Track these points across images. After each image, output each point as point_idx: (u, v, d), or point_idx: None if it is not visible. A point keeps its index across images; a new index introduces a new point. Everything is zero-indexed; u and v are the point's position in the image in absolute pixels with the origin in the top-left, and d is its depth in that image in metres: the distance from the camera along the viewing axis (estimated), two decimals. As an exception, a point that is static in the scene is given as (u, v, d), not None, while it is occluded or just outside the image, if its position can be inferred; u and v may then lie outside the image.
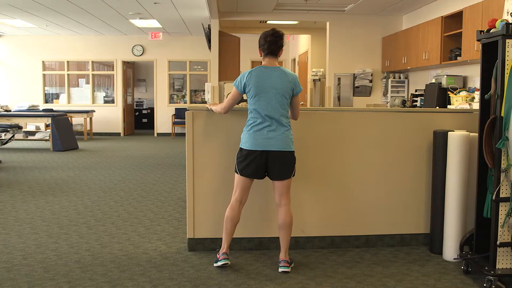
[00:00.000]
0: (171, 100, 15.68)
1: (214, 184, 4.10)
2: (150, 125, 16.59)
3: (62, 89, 15.39)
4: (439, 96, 7.22)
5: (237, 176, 3.70)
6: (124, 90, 15.37)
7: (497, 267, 3.36)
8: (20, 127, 10.90)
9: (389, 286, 3.43)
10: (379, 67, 10.40)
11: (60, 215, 5.32)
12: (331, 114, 4.26)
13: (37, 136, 12.25)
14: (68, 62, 15.16)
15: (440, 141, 4.06)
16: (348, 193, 4.24)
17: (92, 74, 15.28)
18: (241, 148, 3.68)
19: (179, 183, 7.22)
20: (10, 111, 12.91)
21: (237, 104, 3.92)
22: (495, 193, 3.33)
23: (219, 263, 3.68)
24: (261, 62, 3.75)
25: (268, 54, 3.70)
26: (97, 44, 15.00)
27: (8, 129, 10.30)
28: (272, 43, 3.67)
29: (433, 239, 4.16)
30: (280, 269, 3.65)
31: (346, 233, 4.27)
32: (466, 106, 6.36)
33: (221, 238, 3.78)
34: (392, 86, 9.72)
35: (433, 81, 7.71)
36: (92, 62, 15.21)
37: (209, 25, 10.43)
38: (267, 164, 3.62)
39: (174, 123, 15.21)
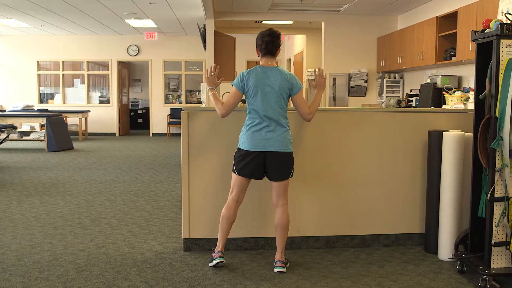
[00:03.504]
0: (167, 100, 15.66)
1: (209, 184, 4.09)
2: (146, 125, 16.58)
3: (57, 89, 15.35)
4: (434, 96, 7.24)
5: (234, 176, 3.70)
6: (119, 90, 15.33)
7: (491, 267, 3.37)
8: (14, 127, 10.85)
9: (384, 285, 3.44)
10: (374, 67, 10.42)
11: (55, 215, 5.30)
12: (327, 114, 4.27)
13: (32, 136, 12.21)
14: (63, 62, 15.11)
15: (435, 141, 4.07)
16: (344, 193, 4.24)
17: (87, 74, 15.24)
18: (239, 148, 3.68)
19: (174, 183, 7.21)
20: (4, 111, 12.87)
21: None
22: (489, 192, 3.35)
23: (214, 262, 3.68)
24: (258, 62, 3.74)
25: (266, 54, 3.70)
26: (92, 44, 14.97)
27: (3, 129, 10.26)
28: (269, 43, 3.67)
29: (428, 239, 4.17)
30: (276, 269, 3.65)
31: (341, 233, 4.27)
32: (461, 106, 6.38)
33: (217, 238, 3.78)
34: (387, 86, 9.74)
35: (428, 81, 7.72)
36: (87, 62, 15.17)
37: (204, 25, 10.43)
38: (265, 165, 3.62)
39: (169, 123, 15.19)
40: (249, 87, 3.61)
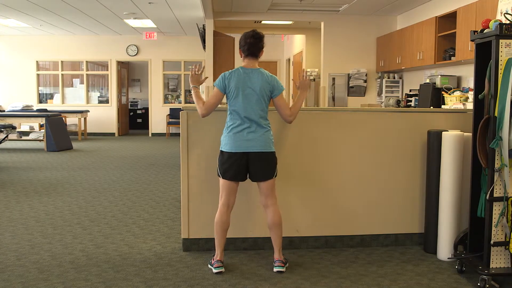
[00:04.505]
0: (166, 100, 15.66)
1: (208, 184, 4.09)
2: (145, 125, 16.57)
3: (56, 89, 15.34)
4: (433, 96, 7.24)
5: (221, 180, 3.68)
6: (118, 90, 15.33)
7: (491, 267, 3.37)
8: (14, 127, 10.85)
9: (383, 285, 3.44)
10: (373, 67, 10.43)
11: (54, 215, 5.30)
12: (326, 114, 4.27)
13: (31, 136, 12.20)
14: (62, 62, 15.10)
15: (434, 141, 4.07)
16: (343, 193, 4.25)
17: (86, 74, 15.23)
18: (221, 151, 3.66)
19: (174, 183, 7.21)
20: (3, 111, 12.86)
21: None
22: (489, 192, 3.35)
23: (214, 270, 3.63)
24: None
25: (248, 55, 3.69)
26: (91, 44, 14.96)
27: (2, 129, 10.26)
28: (252, 44, 3.66)
29: (427, 239, 4.17)
30: (275, 269, 3.65)
31: (340, 233, 4.27)
32: (460, 106, 6.39)
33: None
34: (386, 86, 9.75)
35: (427, 81, 7.73)
36: (87, 62, 15.16)
37: (203, 25, 10.44)
38: (248, 166, 3.60)
39: (168, 123, 15.19)
40: (231, 88, 3.60)
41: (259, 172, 3.62)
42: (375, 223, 4.31)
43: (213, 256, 3.76)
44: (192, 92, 3.76)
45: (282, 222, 3.71)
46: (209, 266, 3.73)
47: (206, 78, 3.89)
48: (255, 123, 3.58)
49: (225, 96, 3.68)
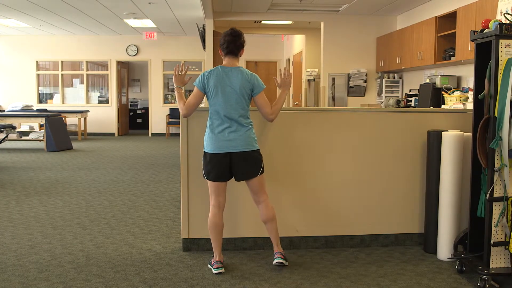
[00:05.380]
0: (166, 100, 15.65)
1: (208, 184, 4.08)
2: (145, 125, 16.56)
3: (56, 89, 15.34)
4: (433, 96, 7.24)
5: (208, 182, 3.67)
6: (118, 90, 15.33)
7: (491, 267, 3.37)
8: (14, 127, 10.85)
9: (383, 285, 3.44)
10: (373, 67, 10.42)
11: (54, 215, 5.30)
12: (326, 114, 4.27)
13: (31, 136, 12.20)
14: (62, 62, 15.10)
15: (434, 141, 4.07)
16: (343, 193, 4.24)
17: (86, 74, 15.23)
18: (204, 152, 3.64)
19: (174, 183, 7.21)
20: (3, 111, 12.86)
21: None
22: (488, 192, 3.35)
23: (214, 271, 3.63)
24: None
25: (228, 53, 3.68)
26: (91, 44, 14.96)
27: (2, 129, 10.26)
28: (231, 42, 3.65)
29: (427, 239, 4.17)
30: (275, 261, 3.63)
31: (340, 233, 4.27)
32: (460, 106, 6.39)
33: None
34: (386, 86, 9.75)
35: (427, 81, 7.73)
36: (86, 62, 15.16)
37: (203, 25, 10.44)
38: (231, 166, 3.59)
39: (168, 123, 15.19)
40: (210, 87, 3.59)
41: (243, 171, 3.59)
42: (375, 223, 4.31)
43: (212, 257, 3.76)
44: (176, 92, 3.74)
45: (275, 216, 3.70)
46: (209, 266, 3.73)
47: (190, 78, 3.87)
48: (236, 122, 3.56)
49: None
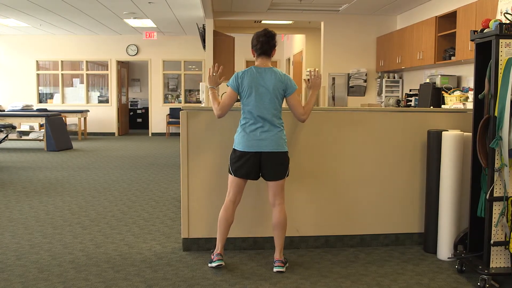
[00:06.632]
0: (166, 100, 15.66)
1: (208, 184, 4.09)
2: (145, 125, 16.57)
3: (56, 89, 15.34)
4: (433, 96, 7.24)
5: (230, 177, 3.69)
6: (118, 90, 15.33)
7: (491, 266, 3.37)
8: (14, 127, 10.85)
9: (383, 285, 3.44)
10: (373, 67, 10.42)
11: (54, 215, 5.30)
12: (326, 113, 4.27)
13: (31, 136, 12.20)
14: (62, 61, 15.10)
15: (434, 140, 4.07)
16: (343, 193, 4.25)
17: (86, 73, 15.23)
18: (234, 149, 3.67)
19: (174, 183, 7.21)
20: (3, 111, 12.86)
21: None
22: (488, 192, 3.35)
23: (214, 264, 3.68)
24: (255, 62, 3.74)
25: (261, 54, 3.69)
26: (91, 44, 14.96)
27: (2, 129, 10.26)
28: (265, 43, 3.66)
29: (427, 239, 4.17)
30: (275, 269, 3.65)
31: (340, 232, 4.27)
32: (460, 106, 6.39)
33: (216, 238, 3.78)
34: (386, 86, 9.75)
35: (427, 81, 7.73)
36: (86, 61, 15.17)
37: (203, 24, 10.43)
38: (260, 165, 3.62)
39: (168, 123, 15.19)
40: (244, 87, 3.60)
41: (271, 172, 3.63)
42: (375, 223, 4.31)
43: (212, 252, 3.78)
44: (210, 93, 3.76)
45: (286, 224, 3.71)
46: (209, 264, 3.73)
47: (224, 79, 3.88)
48: (268, 122, 3.59)
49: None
